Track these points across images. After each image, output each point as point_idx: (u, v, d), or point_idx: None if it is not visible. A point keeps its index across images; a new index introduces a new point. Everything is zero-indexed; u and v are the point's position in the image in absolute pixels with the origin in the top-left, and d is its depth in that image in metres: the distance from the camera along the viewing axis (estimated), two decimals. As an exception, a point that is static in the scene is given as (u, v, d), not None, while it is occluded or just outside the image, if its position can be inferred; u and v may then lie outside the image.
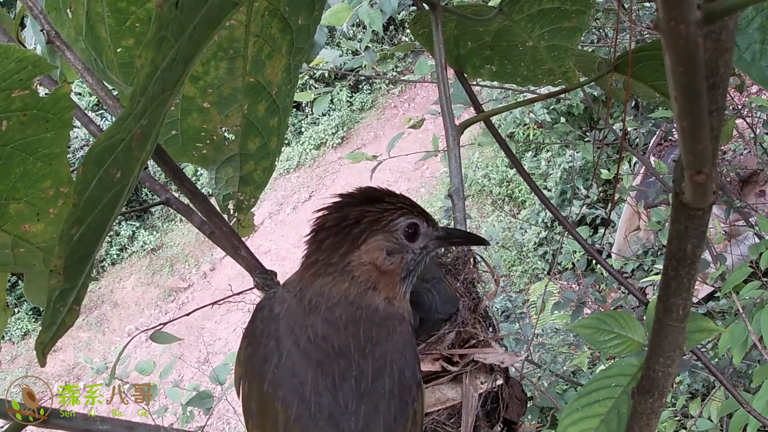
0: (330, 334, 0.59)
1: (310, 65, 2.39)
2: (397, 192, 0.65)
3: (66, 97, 0.60)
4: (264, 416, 0.59)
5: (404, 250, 0.63)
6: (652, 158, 3.52)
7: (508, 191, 5.60)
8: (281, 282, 0.82)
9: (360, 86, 8.02)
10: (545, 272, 4.61)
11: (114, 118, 0.47)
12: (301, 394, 0.57)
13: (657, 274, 3.13)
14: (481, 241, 0.74)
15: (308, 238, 0.63)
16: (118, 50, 0.74)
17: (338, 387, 0.57)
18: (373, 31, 2.28)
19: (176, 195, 0.89)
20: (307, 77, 6.48)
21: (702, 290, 3.07)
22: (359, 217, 0.60)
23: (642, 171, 3.56)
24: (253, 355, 0.62)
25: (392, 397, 0.58)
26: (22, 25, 0.92)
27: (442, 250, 0.95)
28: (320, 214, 0.63)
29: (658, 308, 0.44)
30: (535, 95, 1.89)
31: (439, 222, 0.69)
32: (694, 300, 2.76)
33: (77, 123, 0.82)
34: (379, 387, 0.58)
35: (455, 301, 0.80)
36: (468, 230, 0.90)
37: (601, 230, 4.31)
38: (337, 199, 0.63)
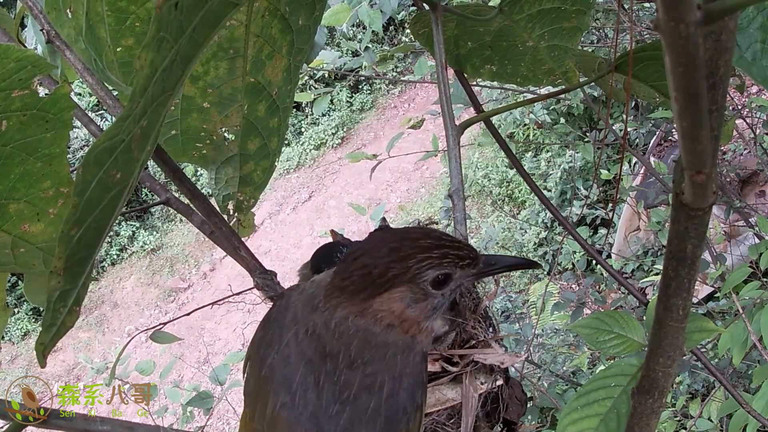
0: (324, 336, 0.60)
1: (310, 66, 2.39)
2: (436, 229, 0.64)
3: (66, 97, 0.60)
4: (257, 399, 0.60)
5: (430, 297, 0.61)
6: (652, 158, 3.52)
7: (508, 191, 5.60)
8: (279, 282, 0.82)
9: (360, 87, 8.01)
10: (545, 272, 4.61)
11: (114, 119, 0.47)
12: (289, 384, 0.58)
13: (657, 274, 3.13)
14: (531, 264, 0.70)
15: (330, 284, 0.62)
16: (118, 50, 0.74)
17: (321, 387, 0.58)
18: (373, 31, 2.28)
19: (176, 195, 0.89)
20: (307, 78, 6.48)
21: (702, 290, 3.07)
22: (383, 272, 0.59)
23: (642, 171, 3.56)
24: (263, 339, 0.63)
25: (376, 415, 0.58)
26: (23, 25, 0.92)
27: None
28: (347, 265, 0.62)
29: (658, 308, 0.44)
30: (535, 95, 1.89)
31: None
32: (694, 300, 2.76)
33: (77, 123, 0.82)
34: (362, 403, 0.58)
35: None
36: (468, 231, 0.90)
37: (601, 230, 4.31)
38: (366, 247, 0.62)
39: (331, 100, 7.52)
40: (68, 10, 0.72)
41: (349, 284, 0.60)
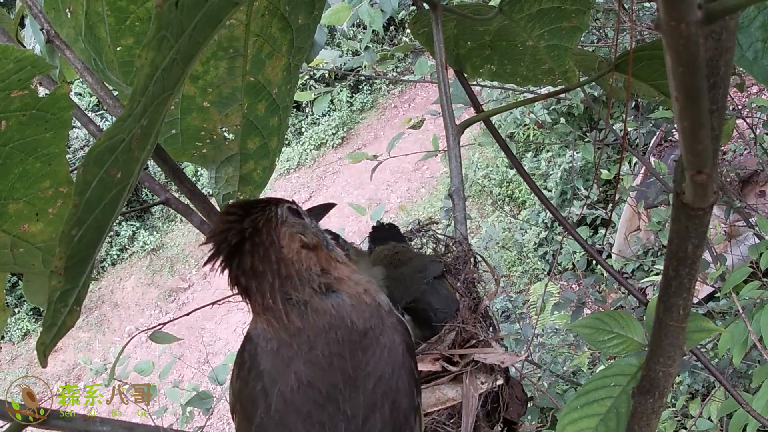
0: (315, 378, 0.57)
1: (310, 66, 2.38)
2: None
3: (65, 97, 0.60)
4: None
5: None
6: (652, 158, 3.52)
7: (509, 191, 5.60)
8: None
9: (360, 86, 8.01)
10: (545, 272, 4.61)
11: (114, 118, 0.47)
12: None
13: (657, 274, 3.13)
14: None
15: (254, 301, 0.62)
16: (118, 49, 0.74)
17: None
18: (373, 31, 2.27)
19: (176, 195, 0.89)
20: (307, 77, 6.48)
21: (702, 290, 3.07)
22: (253, 226, 0.62)
23: (642, 171, 3.56)
24: (242, 392, 0.60)
25: None
26: (22, 25, 0.92)
27: (442, 248, 0.95)
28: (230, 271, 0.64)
29: (658, 308, 0.44)
30: (535, 95, 1.89)
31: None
32: (694, 300, 2.76)
33: (77, 123, 0.82)
34: (370, 426, 0.57)
35: (455, 299, 0.80)
36: (469, 231, 0.90)
37: (602, 230, 4.31)
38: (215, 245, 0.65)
39: (332, 100, 7.52)
40: (67, 10, 0.72)
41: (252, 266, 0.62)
